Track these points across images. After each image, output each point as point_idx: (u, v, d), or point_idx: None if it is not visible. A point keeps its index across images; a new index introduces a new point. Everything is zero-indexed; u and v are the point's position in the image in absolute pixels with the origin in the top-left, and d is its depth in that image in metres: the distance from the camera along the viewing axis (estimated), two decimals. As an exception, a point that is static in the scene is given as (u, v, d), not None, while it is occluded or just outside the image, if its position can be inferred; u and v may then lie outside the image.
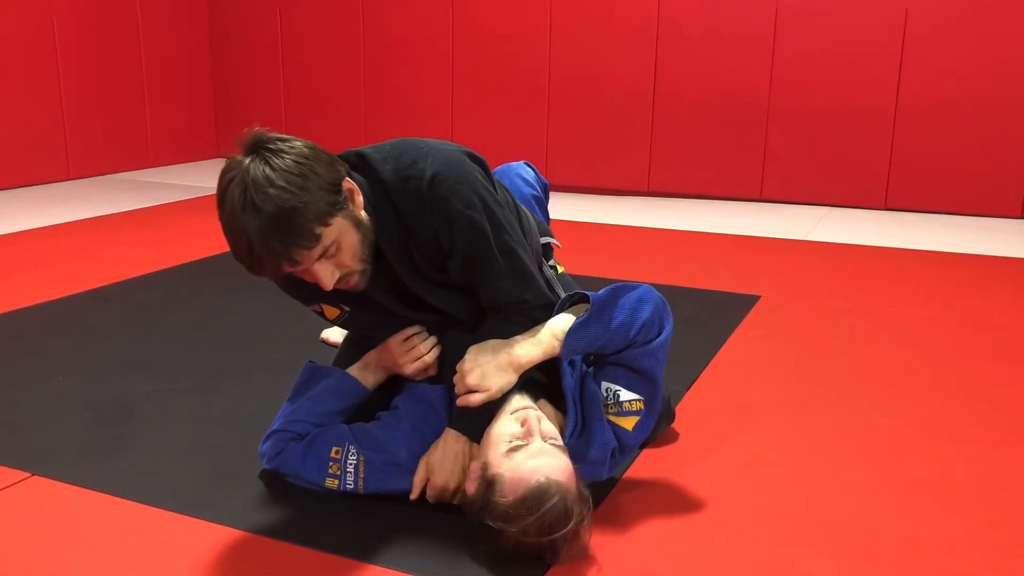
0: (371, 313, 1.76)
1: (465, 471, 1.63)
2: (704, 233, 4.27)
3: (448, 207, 1.59)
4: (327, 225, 1.48)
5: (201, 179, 5.66)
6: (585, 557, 1.52)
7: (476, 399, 1.61)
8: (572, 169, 5.38)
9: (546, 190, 2.35)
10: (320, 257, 1.51)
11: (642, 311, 1.64)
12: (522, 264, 1.69)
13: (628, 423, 1.68)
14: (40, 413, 2.14)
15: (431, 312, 1.76)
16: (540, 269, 1.91)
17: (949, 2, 4.50)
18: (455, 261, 1.65)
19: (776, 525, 1.65)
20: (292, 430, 1.74)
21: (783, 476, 1.84)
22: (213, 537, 1.59)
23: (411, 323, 1.79)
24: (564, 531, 1.42)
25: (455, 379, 1.65)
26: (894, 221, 4.56)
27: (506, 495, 1.44)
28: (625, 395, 1.67)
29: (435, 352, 1.78)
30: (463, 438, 1.66)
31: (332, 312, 1.78)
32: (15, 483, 1.78)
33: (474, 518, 1.51)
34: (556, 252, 2.14)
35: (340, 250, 1.53)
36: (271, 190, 1.43)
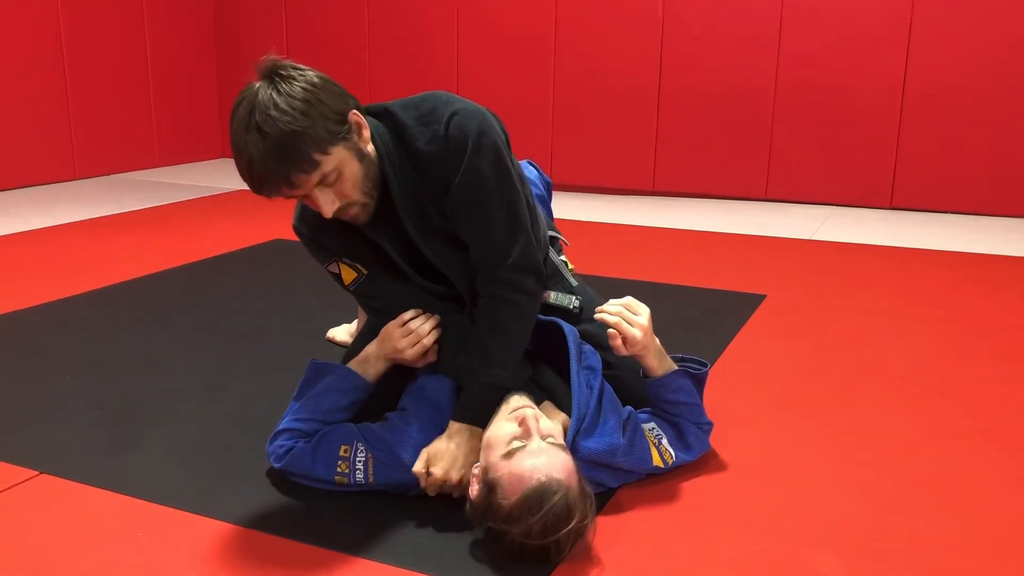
0: (388, 277, 1.78)
1: (467, 462, 1.63)
2: (709, 232, 4.26)
3: (464, 133, 1.63)
4: (326, 153, 1.53)
5: (207, 179, 5.67)
6: (590, 556, 1.52)
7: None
8: (577, 168, 5.38)
9: (549, 189, 2.35)
10: (319, 184, 1.56)
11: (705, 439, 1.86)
12: (518, 213, 1.70)
13: (656, 456, 1.76)
14: (48, 411, 2.14)
15: (436, 280, 1.78)
16: (546, 258, 1.92)
17: (955, 0, 4.49)
18: (455, 187, 1.64)
19: (783, 524, 1.65)
20: (299, 428, 1.75)
21: (789, 475, 1.84)
22: (221, 535, 1.60)
23: (420, 302, 1.80)
24: (567, 529, 1.42)
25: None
26: (900, 220, 4.55)
27: (507, 497, 1.44)
28: (666, 443, 1.79)
29: (434, 334, 1.78)
30: (466, 428, 1.66)
31: (349, 275, 1.80)
32: (24, 481, 1.79)
33: (478, 522, 1.52)
34: (564, 249, 2.14)
35: (341, 179, 1.58)
36: (274, 112, 1.48)
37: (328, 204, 1.59)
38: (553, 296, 1.92)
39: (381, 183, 1.66)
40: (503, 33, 5.42)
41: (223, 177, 5.69)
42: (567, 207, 4.69)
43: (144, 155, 6.03)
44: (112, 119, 5.76)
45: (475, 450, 1.64)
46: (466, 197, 1.65)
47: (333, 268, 1.82)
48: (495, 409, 1.63)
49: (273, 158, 1.49)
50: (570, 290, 1.96)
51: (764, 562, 1.52)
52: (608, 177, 5.34)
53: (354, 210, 1.64)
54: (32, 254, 3.73)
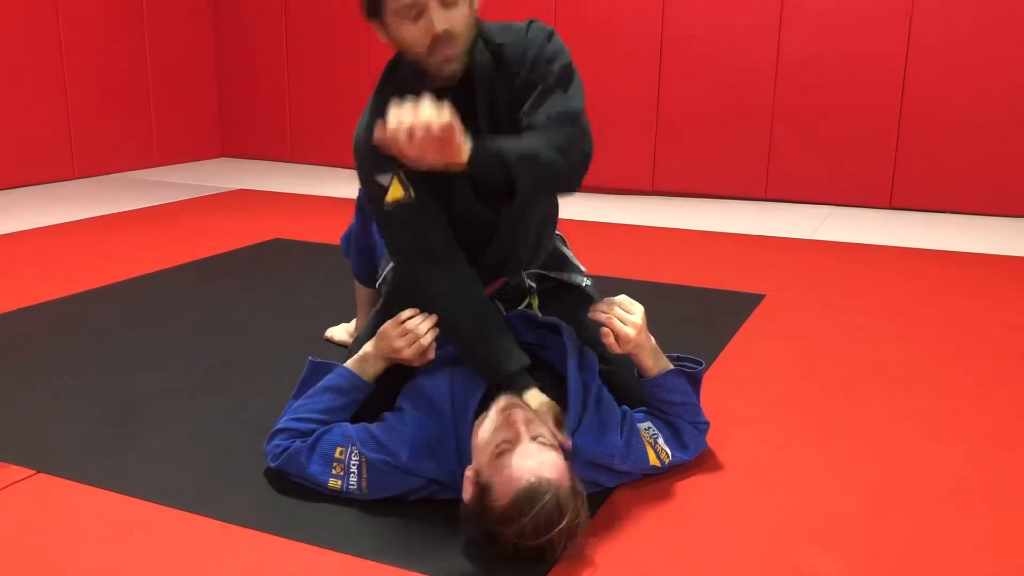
0: (431, 202, 1.74)
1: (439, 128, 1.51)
2: (709, 232, 4.26)
3: (544, 32, 1.76)
4: None
5: (206, 178, 5.66)
6: (587, 556, 1.52)
7: None
8: (577, 168, 5.37)
9: None
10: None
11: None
12: (578, 96, 1.82)
13: (652, 456, 1.76)
14: (46, 411, 2.14)
15: (482, 201, 1.78)
16: (555, 249, 1.91)
17: (955, 0, 4.49)
18: (531, 62, 1.73)
19: (781, 523, 1.65)
20: (296, 428, 1.75)
21: (788, 475, 1.84)
22: (218, 534, 1.59)
23: (445, 241, 1.77)
24: (559, 528, 1.41)
25: None
26: (899, 220, 4.55)
27: (499, 499, 1.43)
28: (662, 442, 1.78)
29: (432, 334, 1.78)
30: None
31: (396, 192, 1.73)
32: (21, 480, 1.79)
33: (472, 525, 1.52)
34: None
35: (457, 7, 1.61)
36: None
37: (441, 21, 1.59)
38: (565, 275, 1.93)
39: (465, 73, 1.69)
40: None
41: (223, 177, 5.68)
42: (566, 207, 4.66)
43: (143, 154, 6.03)
44: (111, 118, 5.76)
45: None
46: (538, 71, 1.73)
47: (384, 180, 1.73)
48: (487, 171, 1.58)
49: None
50: (579, 272, 1.98)
51: (763, 562, 1.52)
52: (608, 177, 5.34)
53: (454, 50, 1.64)
54: (30, 253, 3.73)
